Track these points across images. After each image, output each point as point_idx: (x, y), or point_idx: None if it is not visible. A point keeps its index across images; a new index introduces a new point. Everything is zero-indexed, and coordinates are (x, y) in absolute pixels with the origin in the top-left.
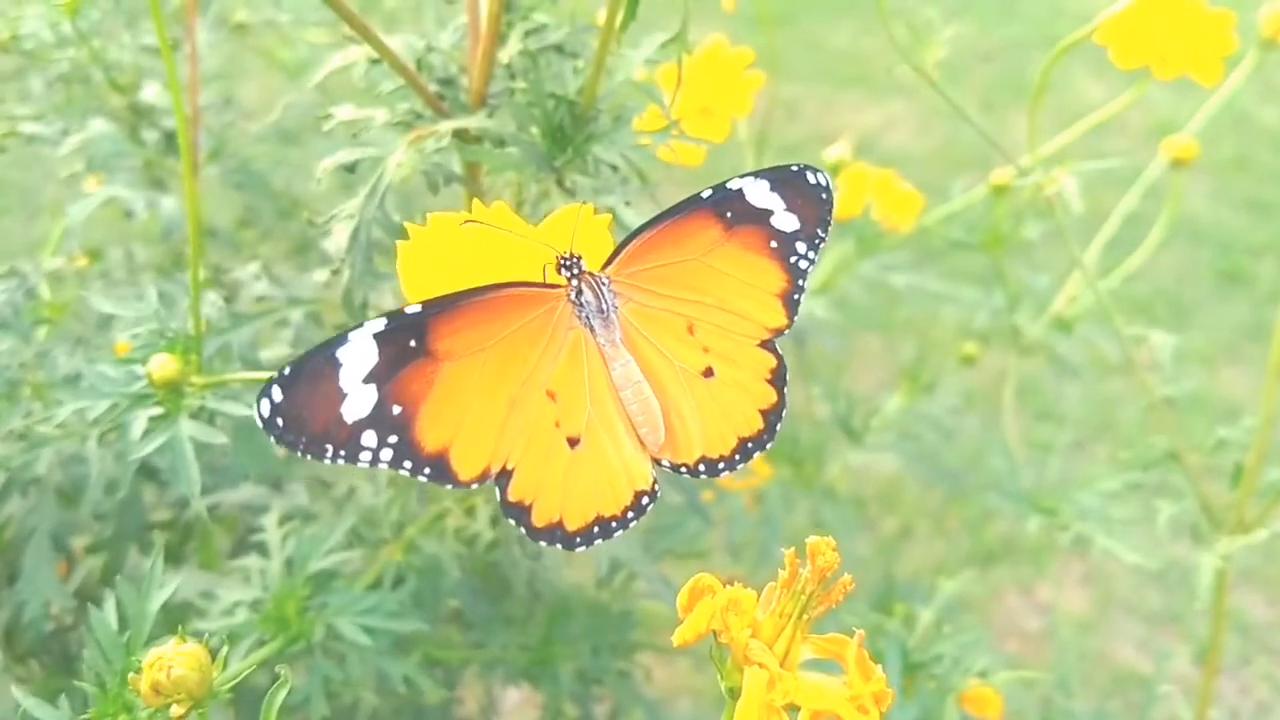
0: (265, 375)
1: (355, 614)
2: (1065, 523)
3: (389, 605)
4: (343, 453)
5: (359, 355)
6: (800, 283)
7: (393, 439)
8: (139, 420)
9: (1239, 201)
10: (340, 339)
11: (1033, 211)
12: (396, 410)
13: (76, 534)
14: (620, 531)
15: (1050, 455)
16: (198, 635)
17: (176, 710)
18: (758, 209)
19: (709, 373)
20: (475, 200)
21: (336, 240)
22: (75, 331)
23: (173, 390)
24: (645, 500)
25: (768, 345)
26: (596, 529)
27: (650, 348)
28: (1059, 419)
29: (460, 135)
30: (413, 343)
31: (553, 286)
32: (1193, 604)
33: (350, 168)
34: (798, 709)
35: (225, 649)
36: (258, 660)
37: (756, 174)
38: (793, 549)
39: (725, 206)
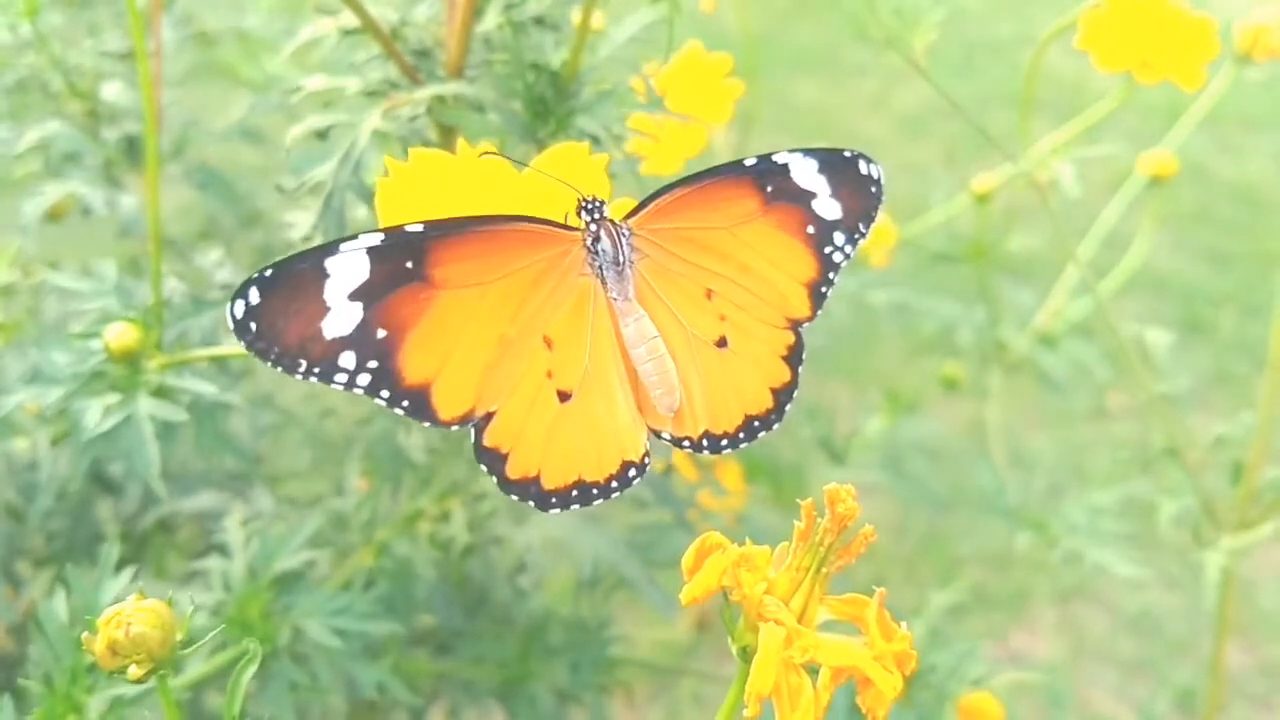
0: (228, 353)
1: (325, 616)
2: (1054, 538)
3: (361, 607)
4: (317, 370)
5: (349, 268)
6: (831, 275)
7: (373, 364)
8: (94, 404)
9: (1199, 252)
10: (330, 248)
11: (1014, 225)
12: (381, 334)
13: (23, 555)
14: (600, 500)
15: (1034, 475)
16: None
17: (135, 672)
18: (801, 189)
19: (722, 342)
20: (462, 141)
21: (300, 229)
22: (31, 338)
23: (131, 364)
24: (632, 473)
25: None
26: (575, 492)
27: (663, 308)
28: (1030, 464)
29: (438, 103)
30: (409, 264)
31: (567, 228)
32: (1171, 644)
33: (322, 134)
34: (817, 668)
35: (191, 608)
36: (217, 665)
37: (806, 151)
38: (809, 499)
39: (767, 180)
